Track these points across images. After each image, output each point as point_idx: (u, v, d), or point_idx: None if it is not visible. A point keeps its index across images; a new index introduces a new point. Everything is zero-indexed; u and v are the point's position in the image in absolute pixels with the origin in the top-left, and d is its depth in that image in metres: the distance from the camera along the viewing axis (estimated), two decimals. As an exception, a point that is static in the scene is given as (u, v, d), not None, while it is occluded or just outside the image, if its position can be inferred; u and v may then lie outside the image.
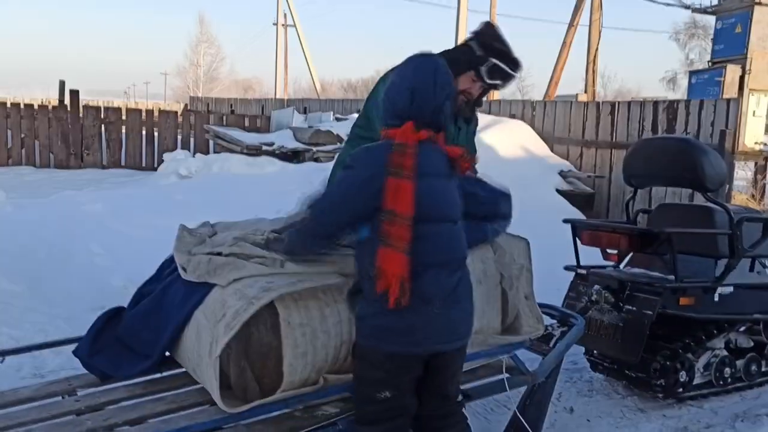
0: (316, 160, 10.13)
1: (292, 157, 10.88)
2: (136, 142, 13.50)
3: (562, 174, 8.57)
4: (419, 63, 2.16)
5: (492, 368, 2.70)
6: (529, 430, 2.74)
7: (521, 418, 2.77)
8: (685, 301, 3.68)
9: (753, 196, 8.71)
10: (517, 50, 2.76)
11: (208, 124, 13.62)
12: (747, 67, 8.74)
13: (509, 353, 2.72)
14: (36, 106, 14.12)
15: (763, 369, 4.10)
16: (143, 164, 13.38)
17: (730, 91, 8.90)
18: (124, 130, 13.42)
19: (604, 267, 4.07)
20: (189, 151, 12.90)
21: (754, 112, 7.76)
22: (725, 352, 3.94)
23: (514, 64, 2.71)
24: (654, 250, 3.82)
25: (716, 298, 3.79)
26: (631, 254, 4.10)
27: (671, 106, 8.10)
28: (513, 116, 9.77)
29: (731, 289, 3.83)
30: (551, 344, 3.01)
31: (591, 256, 4.11)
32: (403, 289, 1.98)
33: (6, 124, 12.74)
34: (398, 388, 2.08)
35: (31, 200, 6.84)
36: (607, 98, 28.49)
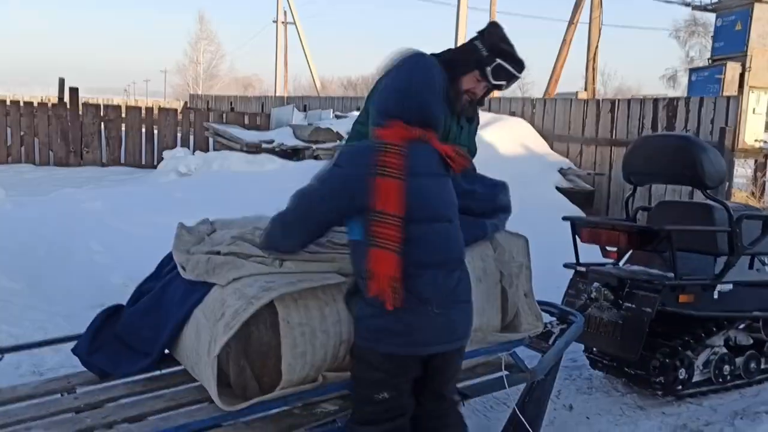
0: (316, 157, 10.13)
1: (292, 154, 10.89)
2: (135, 140, 13.50)
3: (562, 171, 8.58)
4: (408, 62, 2.14)
5: (491, 366, 2.70)
6: (528, 427, 2.74)
7: (520, 416, 2.76)
8: (684, 298, 3.68)
9: (753, 193, 8.72)
10: (518, 48, 2.76)
11: (208, 122, 13.63)
12: (747, 65, 8.73)
13: (508, 351, 2.71)
14: (35, 104, 14.12)
15: (763, 366, 4.10)
16: (143, 162, 13.38)
17: (730, 88, 8.89)
18: (123, 128, 13.43)
19: (603, 264, 4.08)
20: (189, 148, 12.92)
21: (754, 109, 7.76)
22: (724, 350, 3.94)
23: (519, 65, 2.70)
24: (653, 248, 3.81)
25: (715, 296, 3.80)
26: (630, 252, 4.10)
27: (671, 103, 8.10)
28: (513, 114, 9.78)
29: (730, 286, 3.84)
30: (550, 342, 3.01)
31: (591, 253, 4.11)
32: (394, 290, 1.95)
33: (5, 122, 12.73)
34: (397, 389, 2.07)
35: (30, 198, 6.84)
36: (607, 96, 28.51)
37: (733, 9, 9.51)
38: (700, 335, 3.78)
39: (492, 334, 2.65)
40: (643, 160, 4.09)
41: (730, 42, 9.55)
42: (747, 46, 9.12)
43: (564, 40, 16.69)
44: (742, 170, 9.44)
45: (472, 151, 2.93)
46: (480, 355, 2.62)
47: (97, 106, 13.80)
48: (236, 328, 2.04)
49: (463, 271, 2.15)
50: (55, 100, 14.14)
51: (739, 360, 3.99)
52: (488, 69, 2.66)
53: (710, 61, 10.12)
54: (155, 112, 14.27)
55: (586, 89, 15.53)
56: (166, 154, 11.52)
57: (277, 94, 26.70)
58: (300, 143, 11.15)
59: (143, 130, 13.65)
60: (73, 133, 12.96)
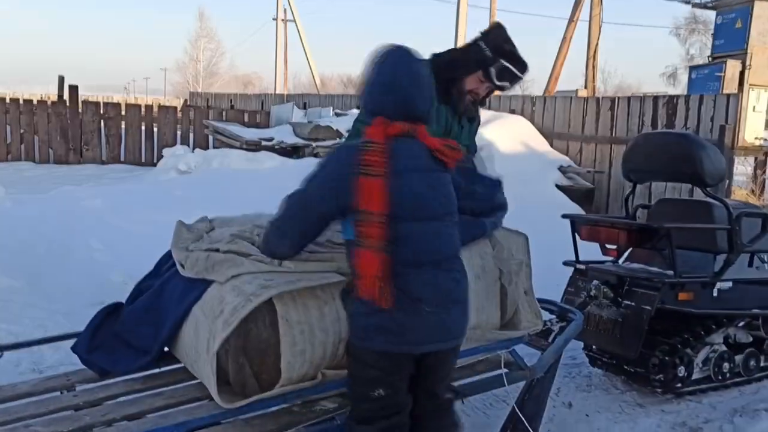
0: (316, 155, 10.14)
1: (292, 152, 10.89)
2: (135, 138, 13.51)
3: (562, 169, 8.58)
4: (388, 57, 2.08)
5: (491, 363, 2.69)
6: (528, 425, 2.74)
7: (519, 413, 2.76)
8: (683, 296, 3.68)
9: (753, 191, 8.71)
10: (518, 46, 2.76)
11: (208, 120, 13.63)
12: (747, 63, 8.71)
13: (508, 348, 2.71)
14: (35, 102, 14.12)
15: (762, 364, 4.10)
16: (143, 160, 13.39)
17: (730, 86, 8.88)
18: (123, 126, 13.43)
19: (603, 262, 4.08)
20: (188, 146, 12.93)
21: (754, 107, 7.75)
22: (724, 347, 3.94)
23: (522, 67, 2.70)
24: (653, 245, 3.81)
25: (715, 294, 3.80)
26: (630, 249, 4.10)
27: (671, 101, 8.10)
28: (513, 111, 9.77)
29: (730, 284, 3.84)
30: (550, 339, 3.01)
31: (590, 251, 4.11)
32: (381, 289, 1.93)
33: (5, 120, 12.74)
34: (392, 386, 2.06)
35: (30, 196, 6.84)
36: (607, 94, 28.48)
37: (734, 6, 9.51)
38: (699, 333, 3.78)
39: (491, 331, 2.64)
40: (642, 157, 4.08)
41: (731, 39, 9.53)
42: (747, 44, 9.11)
43: (564, 37, 16.67)
44: (742, 168, 9.44)
45: (472, 150, 2.93)
46: (479, 353, 2.62)
47: (96, 104, 13.81)
48: (235, 325, 2.05)
49: (459, 271, 2.11)
50: (54, 97, 14.14)
51: (738, 358, 3.99)
52: (492, 70, 2.65)
53: (710, 58, 10.11)
54: (155, 109, 14.31)
55: (586, 87, 15.52)
56: (165, 151, 11.51)
57: (277, 92, 26.69)
58: (300, 141, 11.15)
59: (143, 127, 13.66)
60: (72, 130, 12.96)
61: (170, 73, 60.23)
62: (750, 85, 8.14)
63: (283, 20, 33.34)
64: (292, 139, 11.28)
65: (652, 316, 3.55)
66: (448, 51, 2.86)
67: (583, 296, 3.85)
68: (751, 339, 4.08)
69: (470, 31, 16.63)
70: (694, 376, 3.82)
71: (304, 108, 15.48)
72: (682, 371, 3.71)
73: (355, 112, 11.97)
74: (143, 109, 14.18)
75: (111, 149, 13.31)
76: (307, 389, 2.19)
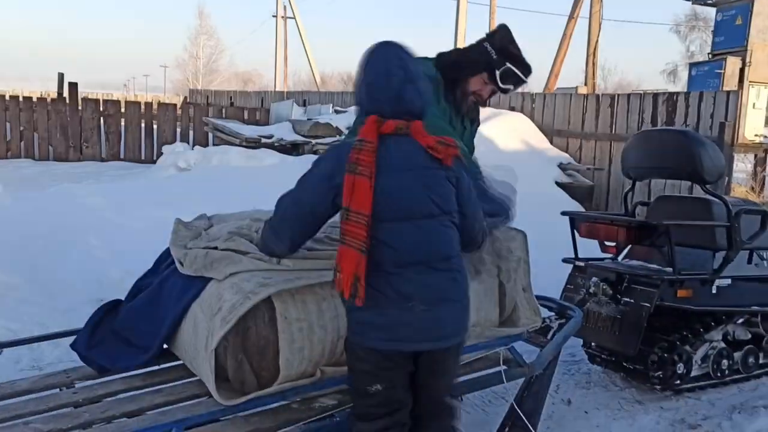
0: (315, 152, 10.12)
1: (291, 149, 10.88)
2: (135, 135, 13.50)
3: (562, 166, 8.57)
4: (372, 54, 2.07)
5: (489, 360, 2.70)
6: (527, 422, 2.74)
7: (518, 410, 2.77)
8: (682, 293, 3.69)
9: (753, 188, 8.71)
10: (519, 43, 2.75)
11: (207, 117, 13.61)
12: (747, 59, 8.69)
13: (507, 345, 2.72)
14: (35, 99, 14.12)
15: (761, 361, 4.11)
16: (142, 157, 13.38)
17: (730, 83, 8.86)
18: (123, 123, 13.42)
19: (602, 259, 4.08)
20: (188, 143, 12.91)
21: (754, 104, 7.73)
22: (723, 344, 3.94)
23: (527, 70, 2.70)
24: (652, 243, 3.82)
25: (714, 291, 3.80)
26: (629, 246, 4.11)
27: (671, 98, 8.09)
28: (512, 109, 9.75)
29: (729, 281, 3.84)
30: (549, 336, 3.01)
31: (590, 248, 4.11)
32: (353, 287, 1.92)
33: (5, 117, 12.73)
34: (390, 382, 2.04)
35: (29, 193, 6.84)
36: (607, 91, 28.46)
37: (734, 4, 9.48)
38: (698, 330, 3.79)
39: (490, 329, 2.65)
40: (642, 155, 4.08)
41: (731, 37, 9.51)
42: (747, 41, 9.08)
43: (564, 34, 16.65)
44: (742, 165, 9.42)
45: (470, 150, 2.93)
46: (478, 350, 2.62)
47: (96, 101, 13.80)
48: (233, 322, 2.05)
49: (457, 270, 2.07)
50: (54, 95, 14.14)
51: (737, 355, 3.99)
52: (497, 72, 2.65)
53: (710, 55, 10.08)
54: (155, 107, 14.27)
55: (586, 84, 15.51)
56: (165, 149, 11.49)
57: (277, 89, 26.70)
58: (299, 138, 11.14)
59: (143, 125, 13.66)
60: (72, 128, 12.95)
61: (170, 71, 60.29)
62: (750, 82, 8.12)
63: (283, 17, 33.33)
64: (291, 137, 11.26)
65: (651, 313, 3.55)
66: (453, 51, 2.86)
67: (582, 293, 3.85)
68: (749, 336, 4.08)
69: (470, 28, 16.66)
70: (693, 373, 3.82)
71: (304, 105, 15.47)
72: (681, 368, 3.72)
73: (355, 109, 11.96)
74: (143, 107, 14.13)
75: (110, 146, 13.30)
76: (306, 386, 2.20)
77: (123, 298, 2.65)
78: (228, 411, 2.12)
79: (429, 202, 2.02)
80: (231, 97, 21.55)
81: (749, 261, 3.98)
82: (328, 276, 2.17)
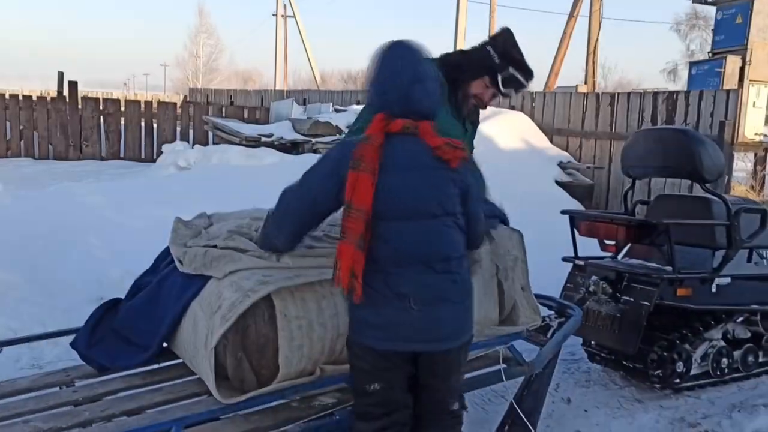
0: (315, 151, 10.12)
1: (291, 148, 10.88)
2: (135, 134, 13.50)
3: (562, 165, 8.57)
4: (384, 52, 2.06)
5: (489, 359, 2.70)
6: (526, 420, 2.74)
7: (518, 409, 2.77)
8: (682, 292, 3.69)
9: (752, 187, 8.70)
10: (519, 42, 2.75)
11: (207, 116, 13.60)
12: (747, 58, 8.69)
13: (506, 344, 2.72)
14: (35, 98, 14.11)
15: (761, 360, 4.11)
16: (142, 156, 13.38)
17: (730, 82, 8.86)
18: (123, 122, 13.41)
19: (602, 258, 4.08)
20: (188, 142, 12.91)
21: (754, 103, 7.73)
22: (722, 343, 3.94)
23: (529, 75, 2.70)
24: (651, 241, 3.82)
25: (713, 289, 3.80)
26: (628, 245, 4.11)
27: (671, 97, 8.09)
28: (512, 107, 9.75)
29: (728, 280, 3.84)
30: (548, 335, 3.01)
31: (590, 247, 4.11)
32: (350, 283, 1.92)
33: (5, 116, 12.73)
34: (387, 382, 2.03)
35: (29, 192, 6.83)
36: (607, 89, 28.44)
37: (734, 2, 9.47)
38: (698, 328, 3.79)
39: (490, 327, 2.65)
40: (641, 153, 4.08)
41: (731, 35, 9.50)
42: (747, 40, 9.07)
43: (564, 33, 16.65)
44: (742, 164, 9.42)
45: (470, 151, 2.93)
46: (478, 349, 2.62)
47: (96, 100, 13.79)
48: (233, 320, 2.05)
49: (458, 272, 2.05)
50: (54, 93, 14.14)
51: (736, 353, 4.00)
52: (499, 77, 2.65)
53: (710, 54, 10.08)
54: (154, 105, 14.26)
55: (586, 83, 15.49)
56: (165, 147, 11.49)
57: (277, 88, 26.69)
58: (299, 137, 11.14)
59: (142, 123, 13.65)
60: (72, 126, 12.95)
61: (170, 69, 60.24)
62: (750, 80, 8.12)
63: (283, 16, 33.32)
64: (291, 135, 11.26)
65: (651, 312, 3.55)
66: (456, 53, 2.86)
67: (581, 292, 3.85)
68: (749, 335, 4.09)
69: (471, 27, 16.64)
70: (693, 372, 3.82)
71: (304, 104, 15.46)
72: (680, 367, 3.72)
73: (355, 107, 11.95)
74: (143, 105, 14.12)
75: (110, 145, 13.29)
76: (306, 385, 2.20)
77: (122, 297, 2.65)
78: (227, 409, 2.12)
79: (432, 202, 2.01)
80: (231, 96, 21.54)
81: (749, 260, 3.98)
82: (327, 274, 2.17)
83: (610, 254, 4.12)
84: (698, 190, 4.24)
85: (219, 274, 2.20)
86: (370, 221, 1.94)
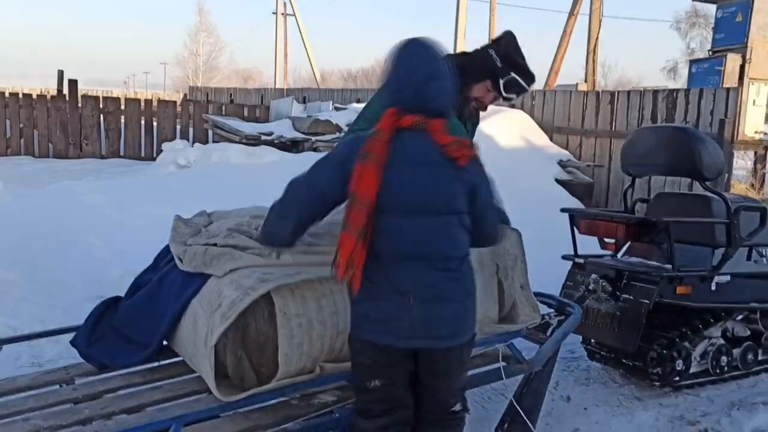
0: (315, 149, 10.12)
1: (291, 146, 10.88)
2: (134, 132, 13.49)
3: (562, 163, 8.57)
4: (402, 48, 2.07)
5: (489, 357, 2.71)
6: (526, 418, 2.75)
7: (518, 407, 2.78)
8: (682, 290, 3.69)
9: (752, 185, 8.70)
10: (519, 42, 2.75)
11: (207, 114, 13.59)
12: (747, 56, 8.69)
13: (506, 342, 2.73)
14: (35, 96, 14.10)
15: (760, 358, 4.11)
16: (142, 154, 13.37)
17: (730, 80, 8.85)
18: (123, 120, 13.41)
19: (601, 256, 4.08)
20: (188, 140, 12.90)
21: (754, 101, 7.72)
22: (722, 341, 3.95)
23: (530, 79, 2.70)
24: (651, 239, 3.82)
25: (713, 287, 3.80)
26: (628, 243, 4.11)
27: (671, 95, 8.09)
28: (513, 106, 9.74)
29: (728, 278, 3.84)
30: (548, 333, 3.02)
31: (590, 245, 4.11)
32: (349, 273, 1.93)
33: (5, 114, 12.72)
34: (389, 378, 2.03)
35: (29, 190, 6.84)
36: (607, 88, 28.41)
37: (734, 0, 9.47)
38: (697, 326, 3.79)
39: (489, 325, 2.65)
40: (641, 151, 4.08)
41: (731, 33, 9.50)
42: (747, 38, 9.06)
43: (564, 31, 16.63)
44: (742, 162, 9.42)
45: None
46: (477, 347, 2.62)
47: (96, 98, 13.78)
48: (233, 319, 2.05)
49: (461, 271, 2.04)
50: (54, 92, 14.12)
51: (736, 351, 4.00)
52: (501, 81, 2.65)
53: (711, 52, 10.06)
54: (154, 104, 14.25)
55: (586, 81, 15.47)
56: (165, 146, 11.49)
57: (277, 86, 26.65)
58: (299, 135, 11.14)
59: (142, 122, 13.64)
60: (72, 125, 12.94)
61: (170, 68, 60.23)
62: (750, 79, 8.11)
63: (283, 14, 33.29)
64: (291, 134, 11.26)
65: (651, 310, 3.55)
66: (458, 55, 2.86)
67: (581, 290, 3.85)
68: (749, 333, 4.09)
69: (471, 26, 16.61)
70: (692, 370, 3.83)
71: (304, 102, 15.46)
72: (680, 365, 3.72)
73: (356, 106, 11.95)
74: (143, 104, 14.11)
75: (110, 144, 13.29)
76: (305, 382, 2.20)
77: (122, 296, 2.65)
78: (227, 407, 2.12)
79: (438, 199, 2.00)
80: (231, 94, 21.54)
81: (748, 258, 3.98)
82: (327, 271, 2.17)
83: (609, 252, 4.12)
84: (698, 189, 4.24)
85: (219, 272, 2.21)
86: (372, 214, 1.94)
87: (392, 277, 1.97)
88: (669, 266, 3.64)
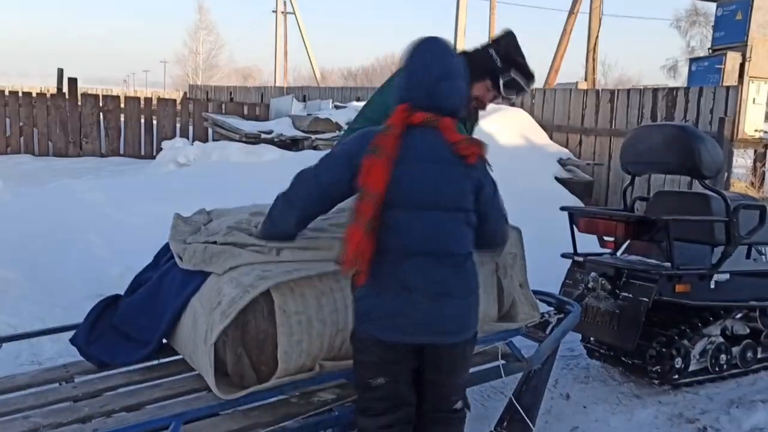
0: (315, 148, 10.13)
1: (291, 145, 10.89)
2: (134, 131, 13.49)
3: (561, 162, 8.57)
4: (417, 46, 2.09)
5: (488, 355, 2.70)
6: (525, 416, 2.75)
7: (517, 405, 2.78)
8: (681, 288, 3.69)
9: (752, 183, 8.71)
10: (519, 41, 2.74)
11: (207, 112, 13.60)
12: (747, 55, 8.68)
13: (505, 340, 2.72)
14: (34, 95, 14.10)
15: (759, 356, 4.12)
16: (142, 152, 13.38)
17: (730, 78, 8.85)
18: (122, 119, 13.41)
19: (601, 254, 4.08)
20: (188, 139, 12.91)
21: (754, 99, 7.72)
22: (721, 339, 3.95)
23: (530, 79, 2.70)
24: (650, 238, 3.82)
25: (712, 285, 3.81)
26: (627, 242, 4.11)
27: (671, 93, 8.09)
28: (512, 104, 9.74)
29: (727, 276, 3.84)
30: (547, 331, 3.01)
31: (589, 243, 4.11)
32: (355, 264, 1.94)
33: (5, 113, 12.73)
34: (393, 375, 2.03)
35: (29, 189, 6.84)
36: (607, 86, 28.43)
37: (734, -1, 9.47)
38: (696, 325, 3.80)
39: (488, 323, 2.65)
40: (641, 150, 4.08)
41: (731, 32, 9.49)
42: (747, 36, 9.06)
43: (564, 30, 16.63)
44: (742, 160, 9.44)
45: None
46: (477, 345, 2.62)
47: (96, 97, 13.78)
48: (233, 317, 2.05)
49: (460, 267, 2.04)
50: (54, 90, 14.12)
51: (735, 349, 4.00)
52: (501, 80, 2.65)
53: (711, 50, 10.06)
54: (154, 102, 14.26)
55: (586, 79, 15.48)
56: (165, 144, 11.50)
57: (277, 85, 26.64)
58: (299, 134, 11.15)
59: (142, 120, 13.65)
60: (72, 123, 12.95)
61: (170, 66, 60.18)
62: (750, 77, 8.11)
63: (282, 12, 33.30)
64: (291, 132, 11.28)
65: (650, 308, 3.56)
66: (461, 53, 2.85)
67: (580, 288, 3.85)
68: (748, 330, 4.09)
69: (471, 24, 16.60)
70: (691, 368, 3.83)
71: (304, 101, 15.47)
72: (679, 363, 3.73)
73: (355, 104, 11.95)
74: (142, 102, 14.13)
75: (110, 142, 13.29)
76: (305, 380, 2.20)
77: (122, 294, 2.65)
78: (227, 405, 2.12)
79: (447, 196, 2.02)
80: (231, 93, 21.53)
81: (747, 256, 3.99)
82: (327, 268, 2.18)
83: (609, 250, 4.12)
84: (698, 187, 4.25)
85: (219, 270, 2.21)
86: (380, 208, 1.95)
87: (400, 273, 1.97)
88: (668, 264, 3.64)
